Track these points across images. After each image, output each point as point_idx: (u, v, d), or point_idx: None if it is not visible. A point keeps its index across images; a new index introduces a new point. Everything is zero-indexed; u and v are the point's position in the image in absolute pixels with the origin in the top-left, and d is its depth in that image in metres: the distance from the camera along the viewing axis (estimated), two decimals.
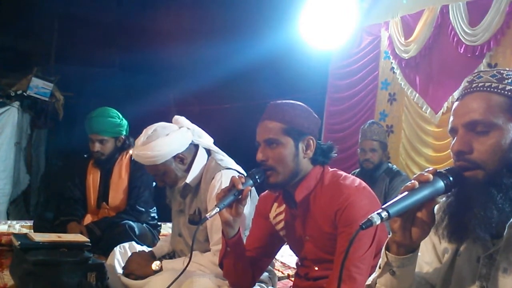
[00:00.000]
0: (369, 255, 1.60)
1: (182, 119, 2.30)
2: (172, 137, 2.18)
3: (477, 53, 4.38)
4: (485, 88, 1.13)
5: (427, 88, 4.97)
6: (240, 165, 2.33)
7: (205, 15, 7.32)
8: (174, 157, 2.18)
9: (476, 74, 1.18)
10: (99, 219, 3.27)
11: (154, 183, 3.40)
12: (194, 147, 2.27)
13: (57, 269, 2.28)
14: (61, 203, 3.45)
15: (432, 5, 4.91)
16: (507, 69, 1.17)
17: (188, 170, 2.22)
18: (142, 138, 2.20)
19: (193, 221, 2.23)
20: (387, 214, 1.01)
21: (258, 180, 1.69)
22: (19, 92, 6.29)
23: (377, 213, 1.01)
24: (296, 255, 1.95)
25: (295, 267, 1.98)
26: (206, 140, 2.32)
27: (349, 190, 1.67)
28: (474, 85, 1.15)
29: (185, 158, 2.22)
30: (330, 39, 5.91)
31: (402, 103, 5.32)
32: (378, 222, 1.00)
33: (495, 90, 1.11)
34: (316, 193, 1.74)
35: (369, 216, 1.01)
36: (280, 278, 2.97)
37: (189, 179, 2.22)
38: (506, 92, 1.11)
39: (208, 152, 2.31)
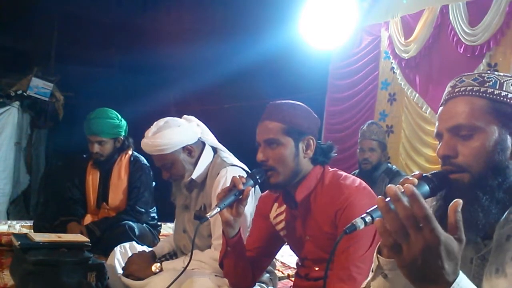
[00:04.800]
0: (370, 255, 1.60)
1: (191, 117, 2.34)
2: (183, 128, 2.22)
3: (476, 53, 4.38)
4: (467, 92, 1.14)
5: (427, 88, 4.97)
6: None
7: (205, 15, 7.32)
8: (183, 148, 2.21)
9: (458, 78, 1.19)
10: (99, 219, 3.27)
11: (154, 183, 3.41)
12: (201, 144, 2.30)
13: (57, 269, 2.27)
14: (61, 203, 3.45)
15: (432, 5, 4.91)
16: (489, 71, 1.19)
17: (195, 165, 2.25)
18: (153, 128, 2.22)
19: (199, 217, 2.26)
20: (371, 218, 1.02)
21: (259, 180, 1.70)
22: (19, 92, 6.30)
23: (361, 218, 1.02)
24: (297, 255, 1.95)
25: (295, 267, 1.98)
26: (212, 138, 2.35)
27: (349, 190, 1.68)
28: (456, 89, 1.16)
29: (193, 151, 2.24)
30: (330, 39, 5.92)
31: (402, 103, 5.32)
32: (362, 226, 1.01)
33: (477, 93, 1.13)
34: (317, 193, 1.74)
35: (353, 221, 1.02)
36: (280, 278, 2.97)
37: (195, 174, 2.24)
38: (487, 95, 1.12)
39: (214, 150, 2.34)
